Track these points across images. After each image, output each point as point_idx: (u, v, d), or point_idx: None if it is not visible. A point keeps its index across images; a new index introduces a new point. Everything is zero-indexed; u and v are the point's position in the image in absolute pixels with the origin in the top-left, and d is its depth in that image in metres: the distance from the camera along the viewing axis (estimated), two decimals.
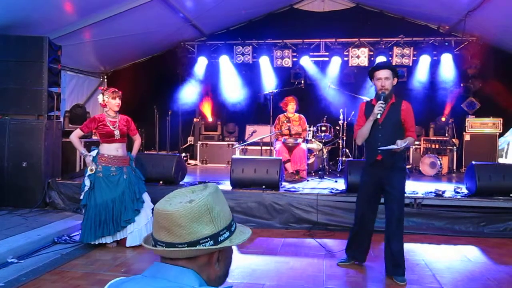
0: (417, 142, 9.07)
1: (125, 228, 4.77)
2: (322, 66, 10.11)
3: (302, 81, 9.97)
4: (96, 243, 4.73)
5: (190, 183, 6.85)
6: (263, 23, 10.46)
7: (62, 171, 6.96)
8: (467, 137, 9.20)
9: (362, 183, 4.20)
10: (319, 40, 10.00)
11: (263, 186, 6.11)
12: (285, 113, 7.83)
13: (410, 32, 9.61)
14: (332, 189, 6.35)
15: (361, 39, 9.72)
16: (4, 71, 6.43)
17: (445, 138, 9.15)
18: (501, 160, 8.98)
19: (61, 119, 7.51)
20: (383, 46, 9.58)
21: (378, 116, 3.89)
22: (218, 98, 10.64)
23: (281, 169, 6.27)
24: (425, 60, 9.51)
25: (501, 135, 9.13)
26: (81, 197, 4.81)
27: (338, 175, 8.08)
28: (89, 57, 9.53)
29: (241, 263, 4.35)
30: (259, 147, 8.78)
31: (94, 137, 7.41)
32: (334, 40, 9.85)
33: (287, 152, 7.40)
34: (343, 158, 8.50)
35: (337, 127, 8.68)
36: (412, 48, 9.48)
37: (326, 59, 9.97)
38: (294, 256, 4.67)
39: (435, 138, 9.21)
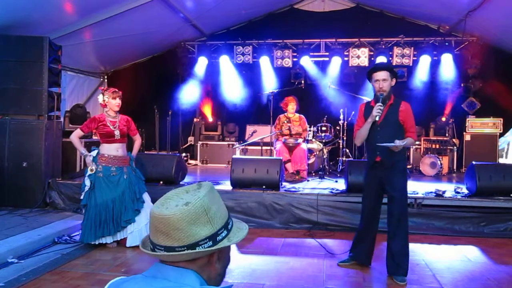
0: (417, 142, 9.06)
1: (125, 228, 4.77)
2: (322, 66, 10.11)
3: (302, 81, 9.97)
4: (96, 243, 4.73)
5: (190, 183, 6.80)
6: (263, 23, 10.46)
7: (62, 171, 6.96)
8: (467, 137, 9.20)
9: (365, 184, 4.21)
10: (319, 40, 10.00)
11: (264, 186, 6.11)
12: (286, 113, 7.83)
13: (410, 32, 9.61)
14: (333, 189, 6.35)
15: (361, 39, 9.71)
16: (4, 71, 6.43)
17: (445, 138, 9.14)
18: (501, 160, 8.97)
19: (61, 119, 7.52)
20: (383, 46, 9.58)
21: (377, 119, 3.89)
22: (219, 98, 10.65)
23: (281, 169, 6.27)
24: (425, 60, 9.51)
25: (501, 135, 9.13)
26: (81, 197, 4.81)
27: (338, 175, 8.08)
28: (90, 57, 9.53)
29: (241, 263, 4.35)
30: (259, 147, 8.78)
31: (95, 137, 7.41)
32: (334, 40, 9.85)
33: (287, 152, 7.40)
34: (344, 158, 8.51)
35: (337, 127, 8.67)
36: (412, 48, 9.48)
37: (326, 59, 9.97)
38: (294, 256, 4.67)
39: (435, 138, 9.21)
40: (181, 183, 6.61)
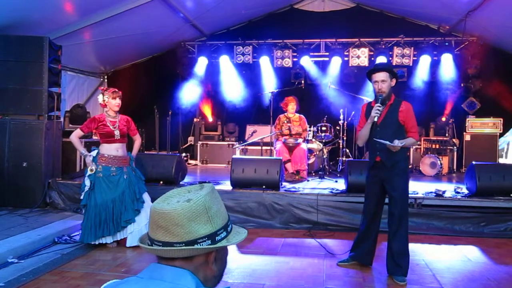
0: (417, 142, 9.06)
1: (125, 228, 4.77)
2: (323, 66, 10.12)
3: (302, 81, 9.97)
4: (96, 243, 4.72)
5: (190, 183, 6.85)
6: (263, 23, 10.47)
7: (62, 171, 6.96)
8: (467, 137, 9.20)
9: (366, 184, 4.20)
10: (319, 40, 10.00)
11: (263, 186, 6.11)
12: (286, 113, 7.83)
13: (410, 32, 9.61)
14: (333, 189, 6.35)
15: (361, 39, 9.72)
16: (4, 71, 6.43)
17: (445, 138, 9.14)
18: (501, 160, 8.97)
19: (61, 119, 7.52)
20: (383, 46, 9.58)
21: (375, 119, 3.89)
22: (219, 98, 10.65)
23: (281, 169, 6.27)
24: (425, 60, 9.51)
25: (501, 135, 9.13)
26: (81, 197, 4.81)
27: (338, 175, 8.08)
28: (89, 57, 9.53)
29: (241, 263, 4.35)
30: (259, 147, 8.78)
31: (95, 137, 7.41)
32: (334, 40, 9.85)
33: (287, 152, 7.40)
34: (343, 158, 8.51)
35: (337, 127, 8.68)
36: (412, 48, 9.48)
37: (326, 59, 9.97)
38: (294, 256, 4.67)
39: (435, 138, 9.21)
40: (181, 183, 6.61)
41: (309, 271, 4.19)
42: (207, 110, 10.79)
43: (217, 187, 6.51)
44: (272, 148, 8.40)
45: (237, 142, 9.80)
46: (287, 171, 7.31)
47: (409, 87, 9.48)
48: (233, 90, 10.34)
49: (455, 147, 9.10)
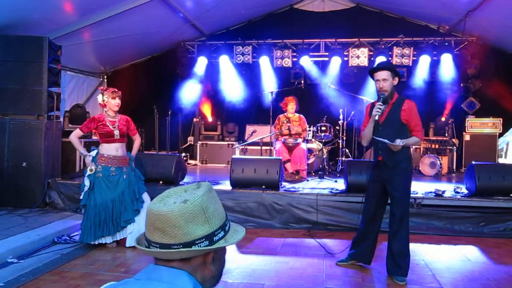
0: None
1: (125, 228, 4.77)
2: (322, 66, 10.12)
3: (302, 81, 9.98)
4: (96, 243, 4.72)
5: (190, 183, 6.80)
6: (263, 23, 10.47)
7: (62, 171, 6.96)
8: (467, 137, 9.21)
9: (368, 183, 4.17)
10: (319, 40, 10.01)
11: (263, 186, 6.11)
12: (285, 113, 7.83)
13: (410, 32, 9.62)
14: (332, 189, 6.35)
15: (361, 39, 9.72)
16: (4, 71, 6.43)
17: (445, 138, 9.15)
18: (500, 160, 8.98)
19: (61, 119, 7.51)
20: (383, 46, 9.59)
21: (376, 118, 3.87)
22: (218, 98, 10.65)
23: (281, 169, 6.27)
24: (425, 60, 9.51)
25: (501, 135, 9.13)
26: (81, 197, 4.81)
27: (338, 175, 8.08)
28: (89, 57, 9.53)
29: (241, 263, 4.35)
30: (259, 147, 8.78)
31: (94, 137, 7.41)
32: (334, 40, 9.86)
33: (287, 152, 7.40)
34: (343, 158, 8.51)
35: (337, 127, 8.68)
36: (412, 48, 9.49)
37: (326, 59, 9.98)
38: (294, 256, 4.67)
39: (435, 138, 9.22)
40: (180, 183, 6.61)
41: (309, 271, 4.19)
42: (207, 110, 10.78)
43: (217, 187, 6.52)
44: (272, 148, 8.40)
45: (237, 142, 9.79)
46: (287, 171, 7.31)
47: (409, 87, 9.47)
48: (233, 90, 10.34)
49: (454, 147, 9.11)
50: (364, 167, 5.85)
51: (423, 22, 9.91)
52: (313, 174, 8.13)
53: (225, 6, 8.91)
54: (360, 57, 9.66)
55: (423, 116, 9.16)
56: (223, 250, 1.22)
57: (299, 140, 7.56)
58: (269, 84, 10.04)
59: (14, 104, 6.49)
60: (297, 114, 7.83)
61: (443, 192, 5.89)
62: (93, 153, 4.81)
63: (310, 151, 8.20)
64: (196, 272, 1.14)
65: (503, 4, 7.36)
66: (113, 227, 4.69)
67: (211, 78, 10.60)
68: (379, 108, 3.87)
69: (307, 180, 7.34)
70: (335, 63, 9.84)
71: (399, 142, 3.76)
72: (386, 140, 3.78)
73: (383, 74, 3.91)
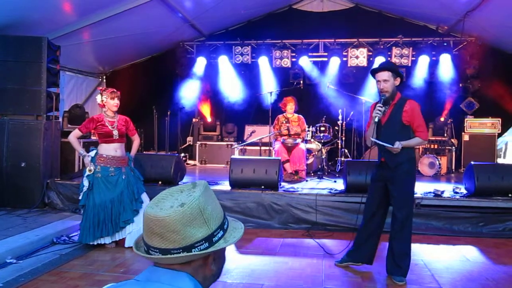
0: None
1: (124, 229, 4.76)
2: (321, 66, 10.12)
3: (301, 82, 9.97)
4: (95, 243, 4.72)
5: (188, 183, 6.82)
6: (262, 24, 10.47)
7: (61, 171, 6.96)
8: (466, 137, 9.22)
9: (370, 183, 4.15)
10: (318, 40, 10.01)
11: (262, 187, 6.11)
12: (284, 114, 7.83)
13: (409, 33, 9.63)
14: (331, 189, 6.35)
15: (360, 40, 9.72)
16: (3, 71, 6.42)
17: (444, 138, 9.15)
18: (499, 160, 8.98)
19: (60, 120, 7.50)
20: (382, 47, 9.60)
21: (376, 120, 3.85)
22: (217, 98, 10.65)
23: (280, 170, 6.27)
24: (424, 61, 9.52)
25: (500, 135, 9.14)
26: (80, 198, 4.80)
27: (337, 175, 8.08)
28: (88, 57, 9.52)
29: (240, 263, 4.35)
30: (258, 148, 8.78)
31: (93, 138, 7.41)
32: (333, 40, 9.86)
33: (286, 152, 7.40)
34: (342, 158, 8.51)
35: (336, 128, 8.68)
36: (411, 48, 9.50)
37: (325, 59, 9.98)
38: (293, 256, 4.67)
39: (434, 138, 9.21)
40: (180, 183, 6.61)
41: (308, 271, 4.19)
42: (206, 110, 10.78)
43: (216, 187, 6.52)
44: (271, 148, 8.40)
45: (236, 142, 9.79)
46: (286, 171, 7.31)
47: (408, 87, 9.47)
48: (232, 90, 10.34)
49: (453, 147, 9.12)
50: (363, 167, 5.86)
51: (422, 22, 9.92)
52: (312, 174, 8.13)
53: (224, 6, 8.91)
54: (359, 57, 9.66)
55: (422, 116, 9.22)
56: (222, 249, 1.22)
57: (298, 140, 7.56)
58: (268, 84, 10.05)
59: (13, 104, 6.48)
60: (296, 115, 7.83)
61: (442, 192, 5.90)
62: (92, 153, 4.81)
63: (309, 151, 8.20)
64: (197, 273, 1.14)
65: (501, 4, 7.36)
66: (112, 227, 4.68)
67: (210, 78, 10.60)
68: (379, 110, 3.85)
69: (306, 181, 7.34)
70: (334, 63, 9.84)
71: (397, 145, 3.75)
72: (384, 143, 3.77)
73: (384, 75, 3.88)
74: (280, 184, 6.34)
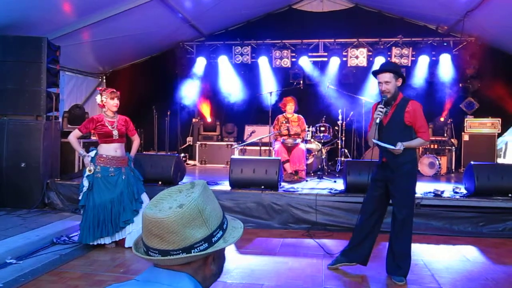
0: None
1: (124, 229, 4.76)
2: (321, 66, 10.12)
3: (301, 82, 9.97)
4: (95, 243, 4.71)
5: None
6: (262, 24, 10.47)
7: (60, 171, 6.95)
8: (465, 137, 9.22)
9: (370, 183, 4.12)
10: (318, 40, 10.01)
11: (262, 187, 6.11)
12: (284, 114, 7.83)
13: (408, 33, 9.62)
14: (331, 189, 6.35)
15: (360, 40, 9.72)
16: (3, 72, 6.42)
17: (443, 138, 9.16)
18: (499, 160, 8.98)
19: (60, 120, 7.50)
20: (381, 47, 9.60)
21: (377, 121, 3.84)
22: (217, 99, 10.65)
23: (280, 170, 6.27)
24: (423, 61, 9.52)
25: (499, 135, 9.14)
26: (80, 198, 4.80)
27: (337, 175, 8.08)
28: (88, 57, 9.52)
29: (240, 264, 4.35)
30: (258, 148, 8.78)
31: (93, 138, 7.41)
32: (333, 40, 9.86)
33: (286, 152, 7.40)
34: (342, 158, 8.51)
35: (336, 128, 8.68)
36: (410, 48, 9.50)
37: (325, 59, 9.98)
38: (293, 256, 4.67)
39: (434, 138, 9.21)
40: (179, 183, 6.60)
41: (308, 271, 4.19)
42: (206, 111, 10.79)
43: (216, 187, 6.52)
44: (271, 148, 8.40)
45: (236, 143, 9.79)
46: (286, 171, 7.31)
47: (408, 87, 9.47)
48: (232, 90, 10.34)
49: (453, 147, 9.12)
50: (363, 167, 5.86)
51: (421, 22, 9.92)
52: (312, 174, 8.13)
53: (224, 7, 8.91)
54: (359, 57, 9.66)
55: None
56: (222, 248, 1.22)
57: (298, 140, 7.56)
58: (268, 84, 10.05)
59: (13, 105, 6.48)
60: (296, 115, 7.83)
61: (442, 192, 5.90)
62: (92, 153, 4.81)
63: (309, 151, 8.20)
64: (197, 274, 1.14)
65: (501, 4, 7.36)
66: (112, 227, 4.68)
67: (210, 78, 10.60)
68: (380, 111, 3.84)
69: (306, 181, 7.34)
70: (334, 63, 9.84)
71: (399, 146, 3.74)
72: (386, 145, 3.76)
73: (385, 77, 3.86)
74: (280, 184, 6.34)
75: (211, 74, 10.56)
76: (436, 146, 9.00)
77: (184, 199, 1.12)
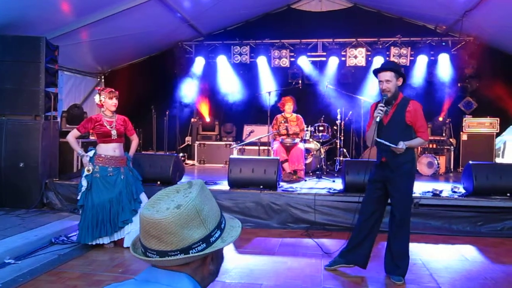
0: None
1: (123, 229, 4.76)
2: (320, 66, 10.13)
3: (300, 81, 9.98)
4: (94, 243, 4.71)
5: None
6: (261, 23, 10.48)
7: (59, 171, 6.94)
8: (464, 137, 9.23)
9: (368, 183, 4.11)
10: (316, 40, 10.02)
11: (261, 186, 6.11)
12: (283, 113, 7.83)
13: (407, 32, 9.63)
14: (330, 189, 6.35)
15: (358, 39, 9.73)
16: (1, 71, 6.41)
17: (442, 138, 9.17)
18: (498, 160, 9.00)
19: (58, 120, 7.50)
20: (380, 46, 9.60)
21: (378, 120, 3.83)
22: (216, 98, 10.64)
23: (278, 169, 6.27)
24: (422, 60, 9.53)
25: (498, 134, 9.15)
26: (78, 198, 4.79)
27: (335, 175, 8.09)
28: (86, 57, 9.51)
29: (239, 263, 4.35)
30: (256, 147, 8.78)
31: (92, 138, 7.40)
32: (331, 40, 9.87)
33: (284, 152, 7.41)
34: (341, 158, 8.52)
35: (335, 127, 8.69)
36: (409, 48, 9.50)
37: (324, 59, 9.99)
38: (292, 256, 4.67)
39: (432, 137, 9.22)
40: (178, 183, 6.58)
41: (307, 271, 4.19)
42: (205, 110, 10.78)
43: (215, 187, 6.52)
44: (270, 148, 8.41)
45: (235, 142, 9.79)
46: (285, 171, 7.31)
47: (406, 87, 9.48)
48: (231, 90, 10.34)
49: (452, 147, 9.13)
50: (362, 167, 5.86)
51: (420, 22, 9.93)
52: (311, 174, 8.14)
53: (223, 6, 8.90)
54: (357, 57, 9.67)
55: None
56: (220, 248, 1.22)
57: (297, 140, 7.57)
58: (267, 84, 10.06)
59: (11, 105, 6.47)
60: (294, 114, 7.83)
61: (441, 191, 5.90)
62: (91, 153, 4.80)
63: (308, 151, 8.20)
64: (196, 273, 1.14)
65: (500, 4, 7.37)
66: (110, 227, 4.68)
67: (209, 78, 10.59)
68: (381, 110, 3.82)
69: (305, 180, 7.34)
70: (333, 63, 9.85)
71: (402, 145, 3.73)
72: (388, 143, 3.75)
73: (386, 75, 3.86)
74: (279, 184, 6.35)
75: (210, 74, 10.56)
76: (434, 146, 9.01)
77: (182, 199, 1.11)
